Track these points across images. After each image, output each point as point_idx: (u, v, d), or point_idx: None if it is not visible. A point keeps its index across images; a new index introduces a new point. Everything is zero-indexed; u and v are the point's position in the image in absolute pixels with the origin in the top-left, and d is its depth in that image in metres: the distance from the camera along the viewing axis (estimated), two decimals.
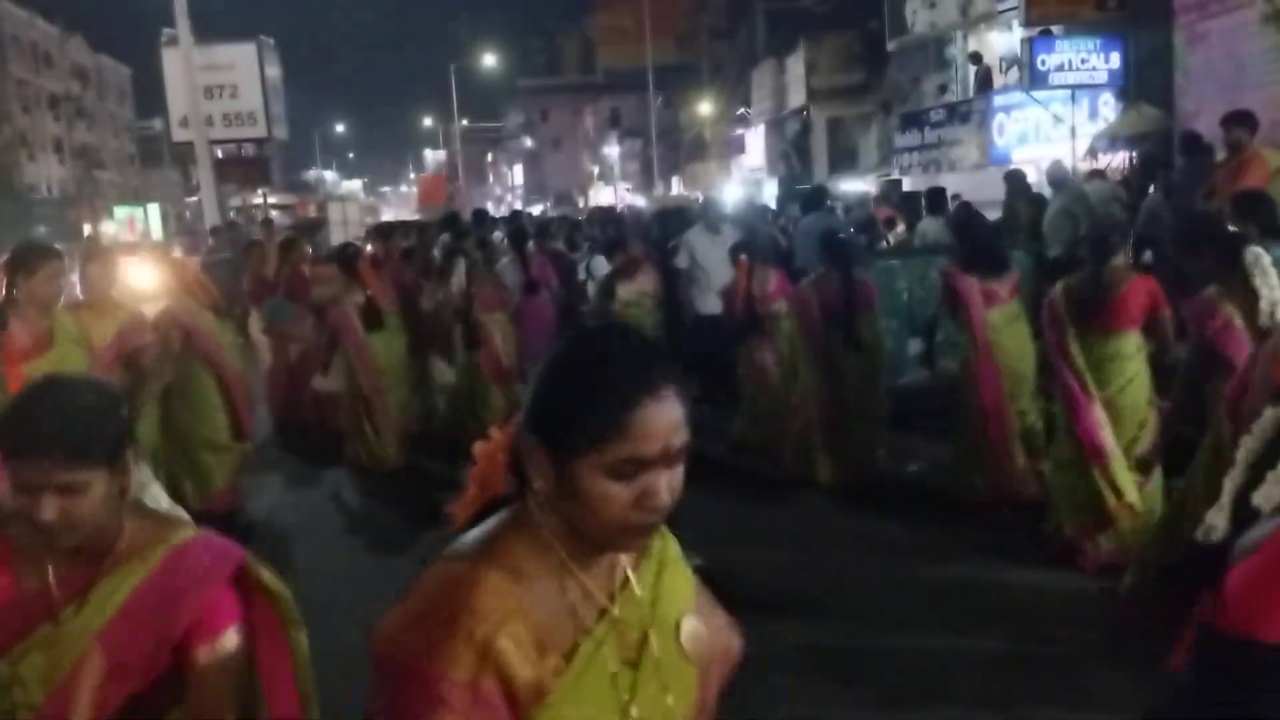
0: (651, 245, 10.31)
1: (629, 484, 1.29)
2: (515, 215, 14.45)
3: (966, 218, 7.74)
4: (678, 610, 1.48)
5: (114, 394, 1.92)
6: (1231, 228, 4.81)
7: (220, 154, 18.29)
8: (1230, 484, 1.90)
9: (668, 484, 1.31)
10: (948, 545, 5.87)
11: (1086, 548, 5.30)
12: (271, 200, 22.17)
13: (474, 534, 1.40)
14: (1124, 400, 5.29)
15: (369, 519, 7.04)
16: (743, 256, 7.55)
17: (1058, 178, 10.78)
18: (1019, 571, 5.39)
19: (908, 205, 13.53)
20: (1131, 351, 5.32)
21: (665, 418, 1.30)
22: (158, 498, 2.21)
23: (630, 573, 1.45)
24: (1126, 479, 5.19)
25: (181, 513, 2.24)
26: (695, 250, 8.73)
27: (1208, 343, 4.27)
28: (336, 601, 5.35)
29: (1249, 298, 4.04)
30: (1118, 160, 13.98)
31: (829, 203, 16.64)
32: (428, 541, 6.44)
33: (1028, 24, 14.72)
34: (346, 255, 8.21)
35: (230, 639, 1.89)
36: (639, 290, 8.52)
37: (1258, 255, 4.04)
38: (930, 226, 10.76)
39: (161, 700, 1.86)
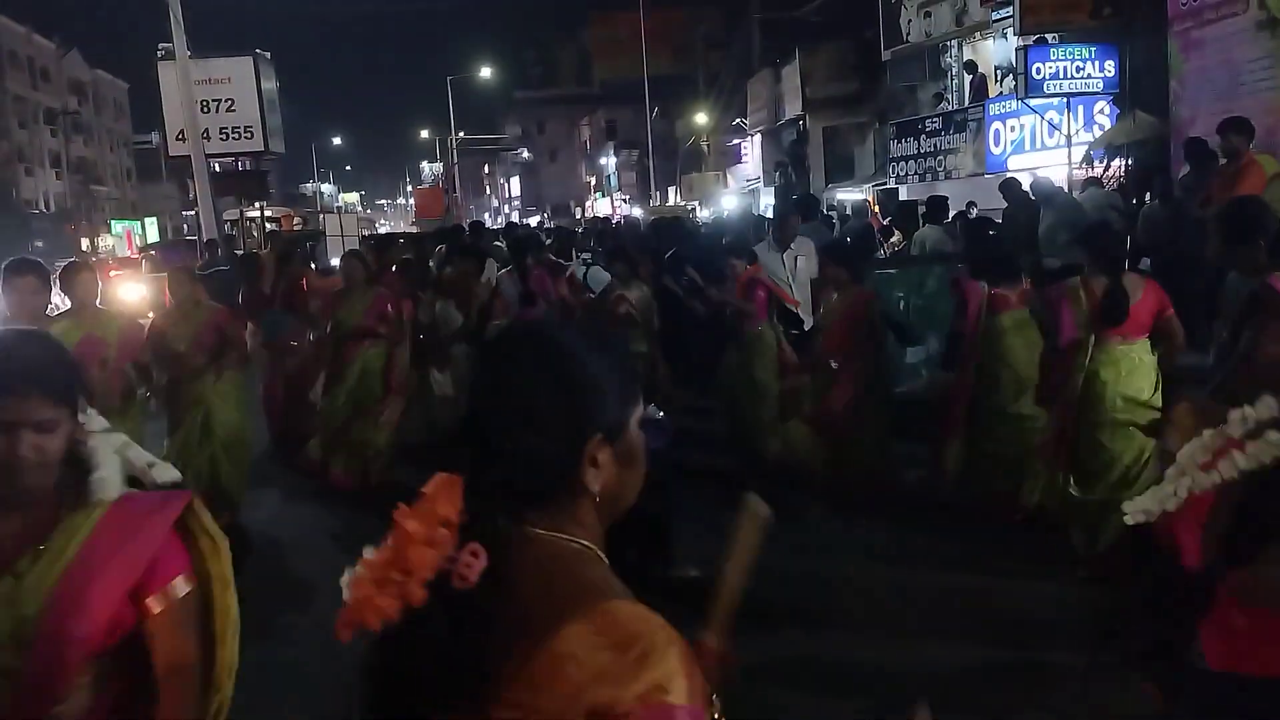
0: (649, 256, 10.30)
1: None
2: (512, 226, 14.44)
3: (979, 224, 7.75)
4: None
5: (62, 346, 2.01)
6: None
7: (217, 167, 18.27)
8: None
9: None
10: (945, 554, 5.85)
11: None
12: (268, 213, 22.28)
13: (532, 595, 1.30)
14: (1139, 403, 5.30)
15: (367, 534, 6.99)
16: (745, 264, 7.55)
17: (1044, 192, 10.83)
18: (1017, 581, 5.38)
19: (904, 214, 13.56)
20: (1147, 357, 5.36)
21: None
22: (140, 456, 2.20)
23: None
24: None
25: (169, 470, 2.25)
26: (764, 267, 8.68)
27: None
28: (334, 614, 5.32)
29: None
30: (1114, 168, 14.00)
31: (826, 212, 16.75)
32: None
33: (1022, 32, 14.75)
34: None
35: (180, 586, 1.93)
36: (636, 299, 8.50)
37: None
38: (930, 234, 10.76)
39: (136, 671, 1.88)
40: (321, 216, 35.28)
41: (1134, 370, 5.32)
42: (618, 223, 21.80)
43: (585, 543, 1.36)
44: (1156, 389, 5.33)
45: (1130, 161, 13.65)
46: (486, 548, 1.30)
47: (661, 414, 1.47)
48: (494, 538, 1.32)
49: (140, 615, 1.87)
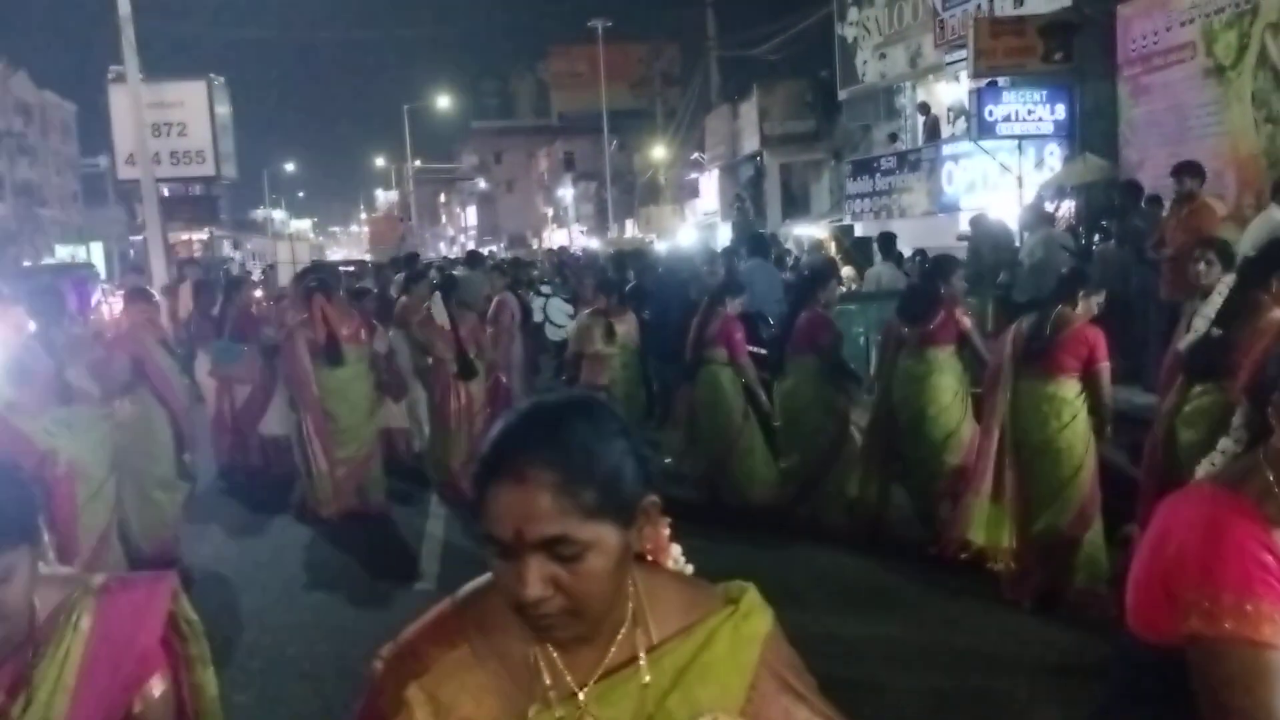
0: (610, 288, 10.26)
1: (510, 565, 1.21)
2: (474, 256, 14.38)
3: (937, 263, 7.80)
4: (694, 711, 1.30)
5: (20, 471, 1.83)
6: None
7: (166, 192, 17.99)
8: None
9: (536, 576, 1.19)
10: (913, 588, 5.85)
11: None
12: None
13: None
14: (1059, 444, 5.33)
15: (317, 568, 6.85)
16: (730, 300, 7.51)
17: (983, 229, 11.10)
18: (982, 615, 5.38)
19: (859, 251, 13.69)
20: (1070, 397, 5.35)
21: (507, 502, 1.19)
22: None
23: (643, 655, 1.30)
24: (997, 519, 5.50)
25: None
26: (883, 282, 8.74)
27: None
28: (284, 654, 5.20)
29: None
30: (1064, 209, 14.22)
31: (786, 247, 16.87)
32: (377, 591, 6.30)
33: (975, 76, 14.98)
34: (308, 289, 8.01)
35: (157, 684, 1.83)
36: (625, 334, 8.44)
37: None
38: (884, 272, 10.84)
39: None
40: (274, 243, 34.94)
41: (1049, 406, 5.35)
42: (577, 254, 21.78)
43: None
44: (1077, 426, 5.34)
45: (1077, 203, 13.89)
46: None
47: None
48: None
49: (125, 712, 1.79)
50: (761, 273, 10.82)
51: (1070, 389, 5.36)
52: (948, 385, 6.31)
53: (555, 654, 1.30)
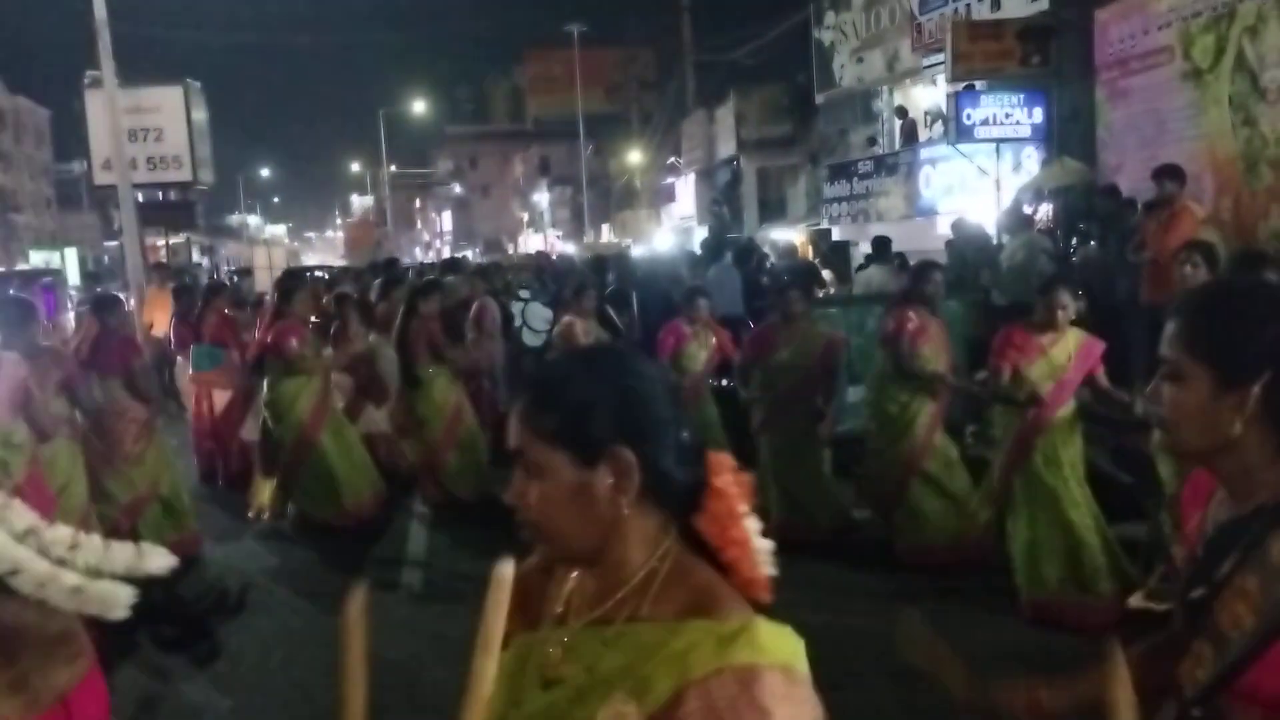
0: (591, 290, 10.26)
1: None
2: (454, 263, 14.33)
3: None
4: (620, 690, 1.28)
5: None
6: None
7: (140, 198, 17.82)
8: None
9: (515, 484, 1.38)
10: (894, 593, 5.85)
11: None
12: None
13: None
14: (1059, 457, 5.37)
15: (300, 573, 6.80)
16: (701, 301, 7.51)
17: (964, 232, 11.17)
18: (966, 620, 5.38)
19: (836, 255, 13.73)
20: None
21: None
22: (97, 548, 2.01)
23: (621, 620, 1.35)
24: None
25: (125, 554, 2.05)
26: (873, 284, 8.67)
27: None
28: (270, 658, 5.15)
29: None
30: (1041, 212, 14.30)
31: (764, 251, 16.91)
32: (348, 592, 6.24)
33: (953, 79, 15.04)
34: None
35: None
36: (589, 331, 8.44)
37: None
38: (875, 275, 10.86)
39: None
40: (251, 249, 34.74)
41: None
42: (556, 258, 21.73)
43: None
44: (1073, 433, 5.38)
45: (1054, 206, 13.97)
46: None
47: None
48: None
49: None
50: (724, 277, 10.92)
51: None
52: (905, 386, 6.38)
53: (568, 588, 1.45)
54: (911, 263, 11.20)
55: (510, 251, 45.96)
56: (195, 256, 25.86)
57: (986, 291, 10.19)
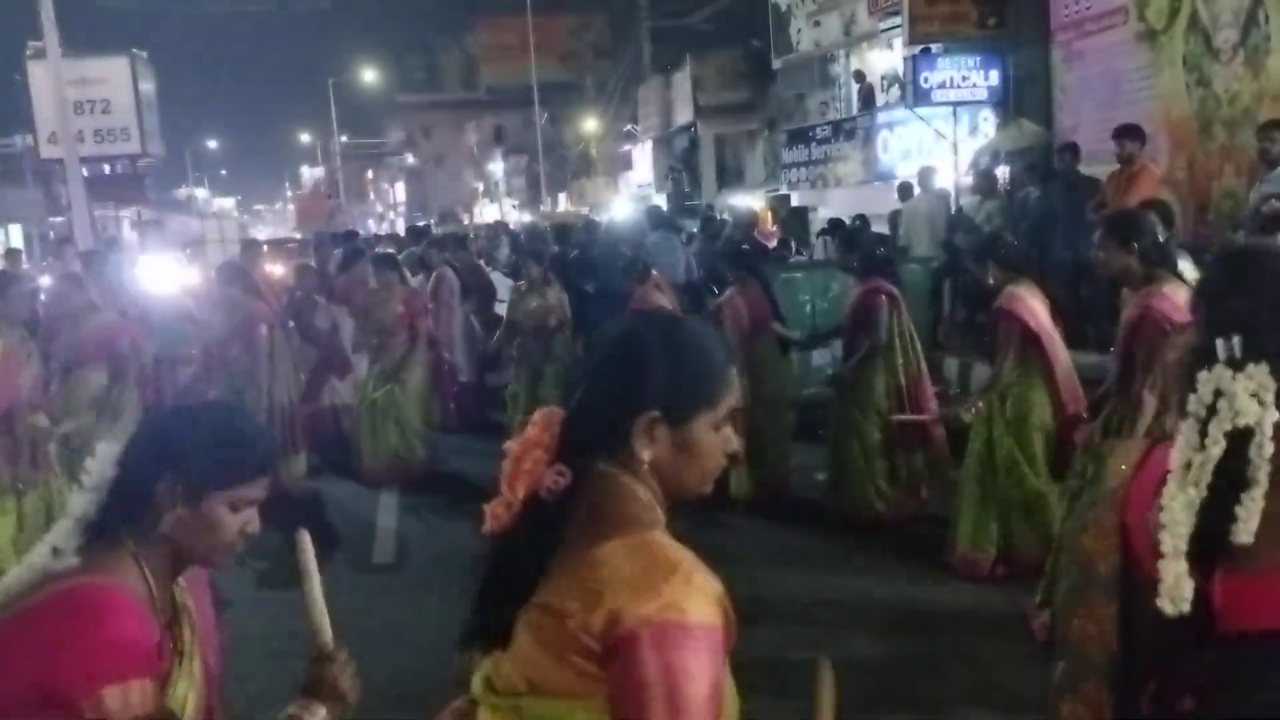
0: (552, 261, 10.21)
1: (720, 435, 1.57)
2: (416, 231, 14.24)
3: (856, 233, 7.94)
4: None
5: None
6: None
7: (85, 172, 17.41)
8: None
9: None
10: (863, 555, 5.95)
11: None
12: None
13: (588, 512, 1.51)
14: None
15: (271, 547, 6.74)
16: (654, 272, 7.51)
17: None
18: (930, 579, 5.49)
19: (794, 220, 13.80)
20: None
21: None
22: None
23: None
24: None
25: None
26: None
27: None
28: (247, 631, 5.12)
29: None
30: (1000, 175, 14.39)
31: (723, 218, 16.91)
32: (336, 564, 6.23)
33: (910, 42, 15.05)
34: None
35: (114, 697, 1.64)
36: (555, 303, 8.41)
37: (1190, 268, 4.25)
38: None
39: None
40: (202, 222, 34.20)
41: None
42: (517, 229, 21.59)
43: (644, 489, 1.54)
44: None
45: (1015, 169, 14.05)
46: (572, 472, 1.52)
47: None
48: (575, 465, 1.53)
49: None
50: (665, 245, 11.00)
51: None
52: None
53: None
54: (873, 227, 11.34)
55: (465, 222, 45.62)
56: (126, 231, 24.83)
57: (957, 251, 10.20)
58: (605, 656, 1.38)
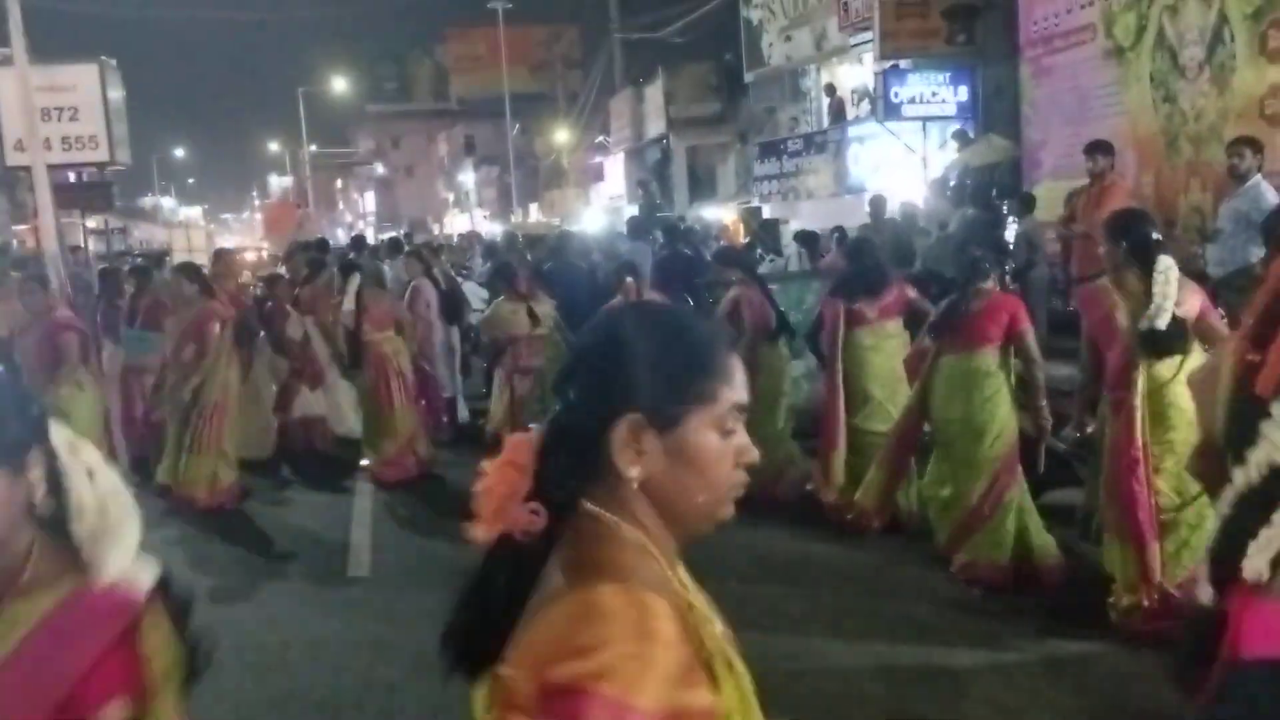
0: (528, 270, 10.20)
1: (728, 441, 1.31)
2: (395, 242, 14.22)
3: (858, 242, 8.00)
4: None
5: (21, 390, 1.69)
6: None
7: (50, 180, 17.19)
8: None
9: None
10: (846, 562, 5.97)
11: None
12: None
13: (561, 559, 1.27)
14: (984, 416, 5.47)
15: (242, 560, 6.70)
16: (629, 279, 7.51)
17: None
18: (915, 584, 5.52)
19: (766, 232, 13.86)
20: (991, 368, 5.49)
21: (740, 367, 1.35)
22: (110, 477, 1.85)
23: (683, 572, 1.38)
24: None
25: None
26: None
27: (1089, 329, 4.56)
28: (219, 643, 5.07)
29: (1143, 299, 4.34)
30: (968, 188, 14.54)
31: (694, 228, 16.99)
32: (310, 577, 6.19)
33: (881, 57, 15.23)
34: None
35: (115, 711, 1.62)
36: (547, 316, 8.38)
37: (1169, 265, 4.30)
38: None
39: None
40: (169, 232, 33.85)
41: (971, 381, 5.50)
42: (491, 239, 21.55)
43: (629, 526, 1.28)
44: (1001, 397, 5.49)
45: (984, 183, 14.21)
46: (550, 511, 1.28)
47: None
48: (555, 499, 1.29)
49: None
50: (640, 255, 11.08)
51: (991, 361, 5.51)
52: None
53: (671, 574, 1.35)
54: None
55: (436, 232, 45.47)
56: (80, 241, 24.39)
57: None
58: None
